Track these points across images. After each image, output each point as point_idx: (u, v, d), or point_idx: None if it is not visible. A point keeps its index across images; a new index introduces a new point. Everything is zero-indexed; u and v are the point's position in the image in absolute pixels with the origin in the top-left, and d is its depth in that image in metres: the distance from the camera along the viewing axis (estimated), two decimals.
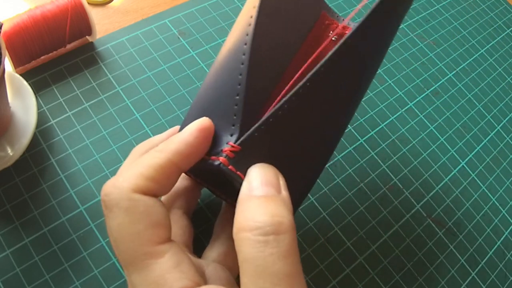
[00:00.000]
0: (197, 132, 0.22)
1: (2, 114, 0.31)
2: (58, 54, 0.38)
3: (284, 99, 0.22)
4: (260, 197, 0.20)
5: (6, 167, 0.31)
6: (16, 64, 0.35)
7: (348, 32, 0.24)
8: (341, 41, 0.22)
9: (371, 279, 0.33)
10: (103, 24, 0.42)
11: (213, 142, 0.22)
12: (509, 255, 0.37)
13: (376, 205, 0.36)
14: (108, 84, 0.38)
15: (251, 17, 0.24)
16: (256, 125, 0.21)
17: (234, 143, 0.21)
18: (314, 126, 0.23)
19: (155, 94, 0.38)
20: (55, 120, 0.35)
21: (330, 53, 0.22)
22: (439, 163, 0.40)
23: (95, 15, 0.42)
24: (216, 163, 0.21)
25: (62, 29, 0.35)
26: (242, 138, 0.21)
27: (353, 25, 0.28)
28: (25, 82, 0.34)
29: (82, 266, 0.30)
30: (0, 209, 0.31)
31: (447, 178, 0.39)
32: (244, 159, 0.21)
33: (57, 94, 0.36)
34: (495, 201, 0.39)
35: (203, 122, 0.22)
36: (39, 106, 0.35)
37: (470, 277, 0.35)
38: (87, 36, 0.39)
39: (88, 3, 0.41)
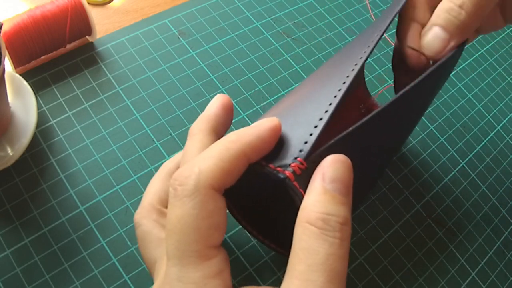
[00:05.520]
0: (270, 130, 0.22)
1: (2, 114, 0.31)
2: (58, 54, 0.38)
3: (352, 128, 0.23)
4: (334, 195, 0.20)
5: (6, 167, 0.31)
6: (16, 64, 0.35)
7: (375, 109, 0.27)
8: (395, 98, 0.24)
9: (371, 279, 0.33)
10: (103, 24, 0.42)
11: (280, 152, 0.22)
12: (509, 255, 0.37)
13: (376, 205, 0.36)
14: (108, 84, 0.38)
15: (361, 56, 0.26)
16: (323, 147, 0.22)
17: (304, 159, 0.21)
18: (371, 156, 0.25)
19: (155, 94, 0.38)
20: (55, 120, 0.35)
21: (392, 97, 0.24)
22: (439, 163, 0.40)
23: (95, 15, 0.42)
24: (282, 176, 0.21)
25: (62, 29, 0.35)
26: (311, 156, 0.21)
27: (379, 105, 0.31)
28: (25, 82, 0.34)
29: (82, 266, 0.30)
30: (0, 209, 0.31)
31: (447, 178, 0.39)
32: (307, 178, 0.21)
33: (57, 94, 0.36)
34: (495, 201, 0.39)
35: (275, 122, 0.22)
36: (39, 106, 0.35)
37: (470, 277, 0.35)
38: (87, 36, 0.39)
39: (88, 3, 0.41)
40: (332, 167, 0.21)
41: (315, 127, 0.22)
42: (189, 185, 0.20)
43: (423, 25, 0.28)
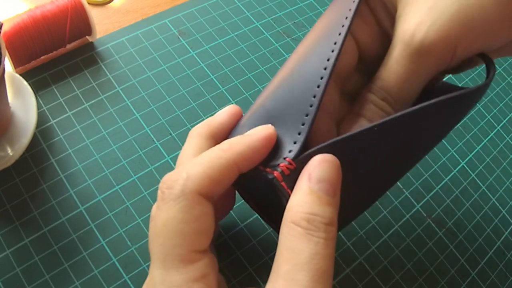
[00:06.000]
0: (264, 140, 0.22)
1: (2, 114, 0.31)
2: (58, 54, 0.38)
3: (351, 132, 0.21)
4: (320, 196, 0.20)
5: (6, 167, 0.31)
6: (16, 64, 0.35)
7: None
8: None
9: (371, 279, 0.33)
10: (103, 24, 0.42)
11: (271, 151, 0.22)
12: (509, 255, 0.37)
13: (376, 205, 0.36)
14: (108, 84, 0.38)
15: (339, 34, 0.23)
16: (316, 147, 0.21)
17: (293, 159, 0.21)
18: (373, 166, 0.23)
19: (155, 94, 0.38)
20: (55, 120, 0.35)
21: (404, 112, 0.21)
22: (439, 163, 0.40)
23: (95, 15, 0.42)
24: (270, 176, 0.21)
25: (62, 29, 0.35)
26: (300, 157, 0.21)
27: None
28: (25, 82, 0.34)
29: (82, 266, 0.30)
30: (0, 209, 0.31)
31: (447, 178, 0.39)
32: (296, 178, 0.21)
33: (57, 94, 0.36)
34: (495, 201, 0.39)
35: (270, 131, 0.22)
36: (39, 106, 0.35)
37: (470, 277, 0.35)
38: (87, 36, 0.39)
39: (88, 3, 0.41)
40: (319, 167, 0.21)
41: (303, 124, 0.22)
42: (175, 189, 0.20)
43: (333, 113, 0.25)
